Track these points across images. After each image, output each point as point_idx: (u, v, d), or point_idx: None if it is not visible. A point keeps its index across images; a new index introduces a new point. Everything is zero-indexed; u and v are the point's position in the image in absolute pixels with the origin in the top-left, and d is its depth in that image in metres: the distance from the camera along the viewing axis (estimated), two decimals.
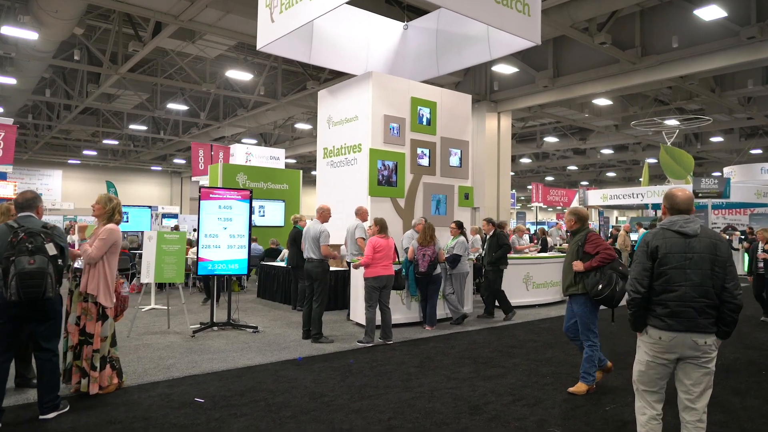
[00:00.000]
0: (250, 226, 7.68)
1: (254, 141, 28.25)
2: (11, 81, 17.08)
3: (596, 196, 16.77)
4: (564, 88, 16.49)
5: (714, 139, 25.45)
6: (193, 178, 18.11)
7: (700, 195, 13.70)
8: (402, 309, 8.15)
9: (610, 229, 17.35)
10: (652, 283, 3.25)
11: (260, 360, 6.21)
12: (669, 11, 13.61)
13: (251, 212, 7.60)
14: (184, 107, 22.05)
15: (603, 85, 15.64)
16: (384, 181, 8.07)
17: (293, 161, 32.16)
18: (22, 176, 35.91)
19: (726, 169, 21.83)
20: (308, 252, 7.06)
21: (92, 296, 4.72)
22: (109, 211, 4.80)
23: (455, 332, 7.90)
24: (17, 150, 33.74)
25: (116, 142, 30.56)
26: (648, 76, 14.63)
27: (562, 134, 27.08)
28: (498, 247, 8.60)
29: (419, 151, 8.62)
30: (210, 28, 12.77)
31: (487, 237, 8.93)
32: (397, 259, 7.13)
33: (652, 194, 14.94)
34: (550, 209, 56.61)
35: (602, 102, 18.59)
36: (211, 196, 7.40)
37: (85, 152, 34.30)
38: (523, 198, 59.83)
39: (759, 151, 27.65)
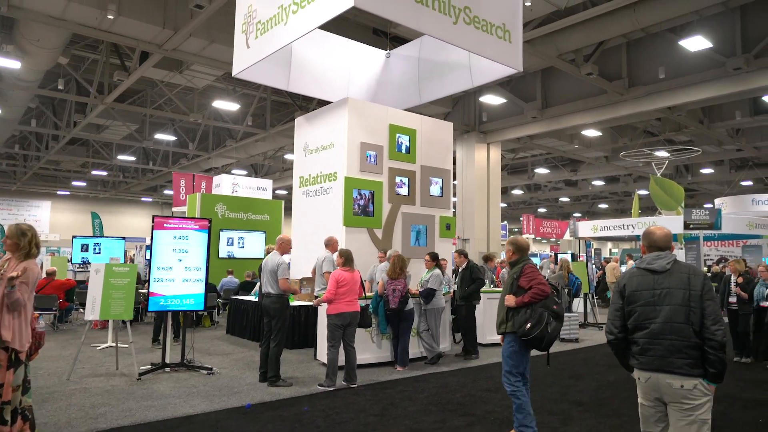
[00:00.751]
0: (209, 257, 7.20)
1: (244, 172, 28.11)
2: None
3: (587, 228, 16.58)
4: (552, 119, 16.46)
5: (704, 171, 25.48)
6: (174, 209, 17.80)
7: (691, 226, 13.51)
8: (371, 348, 7.61)
9: (600, 261, 17.08)
10: (625, 323, 3.18)
11: (204, 407, 5.64)
12: (655, 42, 13.67)
13: (209, 243, 7.12)
14: (172, 138, 21.93)
15: (591, 116, 15.61)
16: (360, 210, 7.77)
17: (284, 192, 31.96)
18: (10, 207, 35.61)
19: (717, 201, 21.74)
20: (266, 286, 6.52)
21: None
22: (25, 246, 4.13)
23: (428, 373, 7.33)
24: (5, 181, 33.55)
25: (105, 173, 30.33)
26: (635, 107, 14.61)
27: (554, 165, 27.07)
28: (471, 281, 8.11)
29: (398, 179, 8.36)
30: (195, 57, 12.68)
31: (460, 270, 8.43)
32: (363, 294, 6.62)
33: (643, 225, 14.70)
34: (544, 241, 56.48)
35: (591, 133, 18.59)
36: (165, 225, 6.96)
37: (74, 183, 34.04)
38: (516, 230, 59.75)
39: (750, 183, 27.69)
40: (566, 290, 9.80)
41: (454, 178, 18.07)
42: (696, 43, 11.45)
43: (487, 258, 9.54)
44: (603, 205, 39.10)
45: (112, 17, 10.17)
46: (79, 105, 19.53)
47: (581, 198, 37.95)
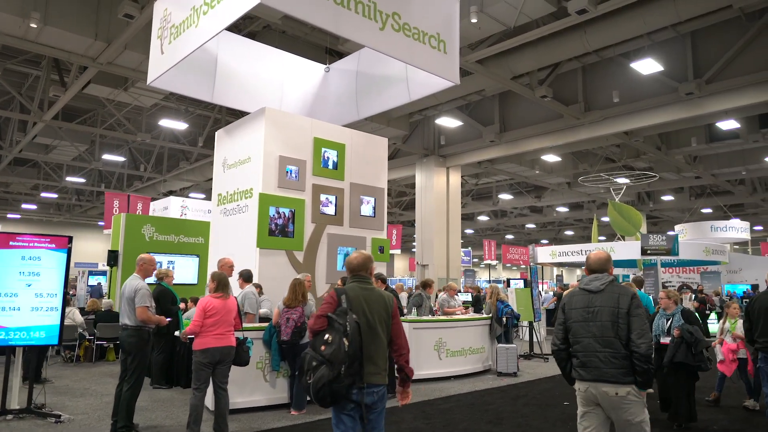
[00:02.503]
0: (66, 282, 6.13)
1: (202, 195, 27.25)
2: None
3: (545, 253, 16.24)
4: (511, 143, 16.24)
5: (665, 198, 25.66)
6: (105, 232, 16.84)
7: (648, 252, 13.26)
8: (264, 388, 6.34)
9: (553, 288, 16.72)
10: (567, 335, 3.53)
11: None
12: (609, 67, 13.60)
13: (68, 265, 6.03)
14: (121, 159, 21.08)
15: (549, 140, 15.43)
16: (278, 230, 7.09)
17: None
18: None
19: (677, 227, 21.79)
20: (122, 317, 5.40)
21: None
22: None
23: (328, 418, 5.70)
24: None
25: (56, 196, 29.07)
26: (592, 131, 14.48)
27: (518, 192, 26.97)
28: None
29: (323, 197, 7.74)
30: (135, 73, 12.05)
31: None
32: (241, 326, 5.61)
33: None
34: (514, 268, 56.44)
35: (551, 159, 18.45)
36: (11, 243, 5.77)
37: (24, 206, 32.56)
38: (480, 256, 59.73)
39: (709, 210, 28.00)
40: (501, 319, 8.90)
41: (409, 198, 17.59)
42: (647, 66, 11.34)
43: (425, 284, 8.83)
44: (569, 232, 39.21)
45: (35, 26, 9.50)
46: (23, 123, 18.62)
47: (547, 225, 38.00)
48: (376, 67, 7.88)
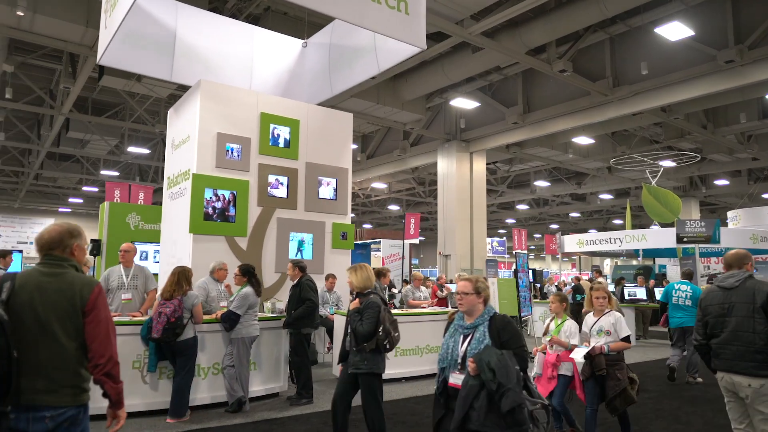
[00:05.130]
0: None
1: None
2: None
3: (572, 242, 15.11)
4: (535, 124, 15.18)
5: (719, 183, 23.63)
6: None
7: (685, 240, 11.98)
8: (142, 390, 5.51)
9: (559, 279, 15.56)
10: (707, 331, 3.71)
11: None
12: (639, 37, 12.35)
13: None
14: (146, 151, 21.37)
15: (575, 120, 14.29)
16: (216, 214, 6.54)
17: None
18: (13, 224, 35.74)
19: (730, 214, 19.94)
20: None
21: None
22: None
23: (215, 427, 5.27)
24: (7, 198, 33.64)
25: (96, 189, 30.03)
26: (621, 108, 13.26)
27: (557, 178, 25.59)
28: (299, 301, 5.98)
29: (272, 178, 7.13)
30: None
31: (291, 287, 6.36)
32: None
33: (631, 239, 13.22)
34: (565, 259, 54.24)
35: (584, 141, 17.19)
36: None
37: (71, 200, 33.94)
38: (533, 247, 57.70)
39: None
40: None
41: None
42: (675, 31, 10.12)
43: (379, 273, 7.61)
44: (618, 221, 37.12)
45: (21, 14, 9.42)
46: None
47: (593, 213, 36.14)
48: (346, 38, 7.25)
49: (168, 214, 7.64)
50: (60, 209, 36.13)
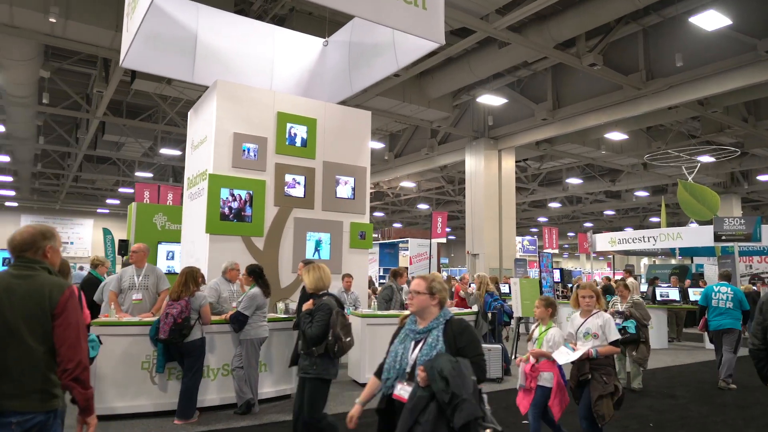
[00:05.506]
0: None
1: None
2: None
3: (604, 241, 14.67)
4: (566, 120, 14.82)
5: (762, 178, 22.66)
6: None
7: (723, 238, 11.48)
8: (151, 391, 5.50)
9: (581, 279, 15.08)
10: (766, 336, 3.59)
11: None
12: (673, 28, 11.90)
13: None
14: (178, 153, 21.78)
15: (606, 115, 13.88)
16: (232, 215, 6.53)
17: None
18: (55, 225, 37.00)
19: None
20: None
21: None
22: None
23: (220, 429, 5.24)
24: (48, 200, 34.88)
25: (132, 191, 30.81)
26: (655, 102, 12.81)
27: (590, 176, 24.98)
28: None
29: (289, 178, 7.08)
30: None
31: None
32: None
33: (666, 237, 12.72)
34: (601, 258, 52.95)
35: (617, 137, 16.70)
36: None
37: (109, 201, 34.93)
38: (567, 246, 56.55)
39: None
40: (488, 314, 7.45)
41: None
42: (711, 20, 9.69)
43: (395, 274, 7.71)
44: (655, 219, 36.03)
45: (54, 20, 9.69)
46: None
47: (629, 211, 35.19)
48: (365, 35, 7.17)
49: (188, 215, 7.74)
50: (98, 210, 37.25)
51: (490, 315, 7.32)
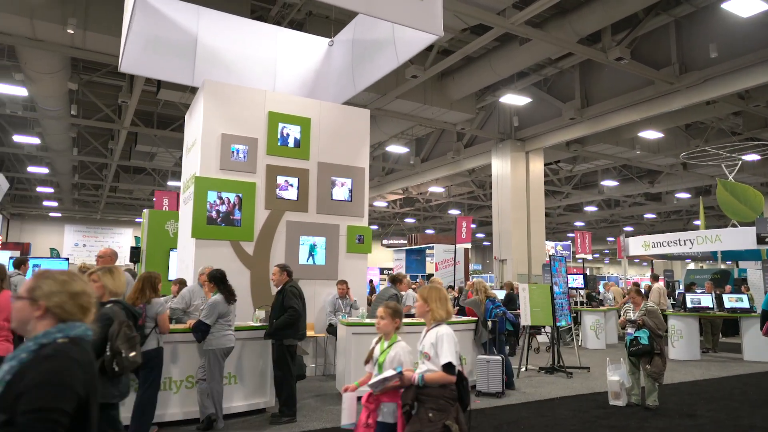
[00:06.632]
0: None
1: None
2: (35, 141, 17.72)
3: (637, 245, 13.92)
4: (595, 119, 14.23)
5: None
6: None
7: (767, 240, 10.68)
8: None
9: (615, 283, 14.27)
10: None
11: None
12: (707, 18, 11.24)
13: None
14: None
15: (638, 112, 13.24)
16: (220, 218, 6.31)
17: None
18: (96, 234, 38.25)
19: None
20: None
21: None
22: None
23: None
24: (89, 210, 36.04)
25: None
26: (690, 97, 12.12)
27: (627, 177, 24.03)
28: (282, 309, 5.52)
29: (281, 180, 6.83)
30: None
31: (276, 294, 5.90)
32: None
33: (704, 240, 11.92)
34: (644, 264, 51.02)
35: (651, 135, 15.92)
36: None
37: (145, 211, 35.71)
38: (607, 251, 54.74)
39: None
40: (489, 322, 6.86)
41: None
42: (746, 6, 9.05)
43: (395, 279, 7.13)
44: (699, 222, 34.39)
45: (71, 31, 9.85)
46: (132, 134, 20.13)
47: (671, 214, 33.74)
48: (367, 33, 6.94)
49: (182, 220, 7.60)
50: (137, 219, 38.22)
51: (490, 323, 6.86)
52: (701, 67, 11.57)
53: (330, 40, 8.24)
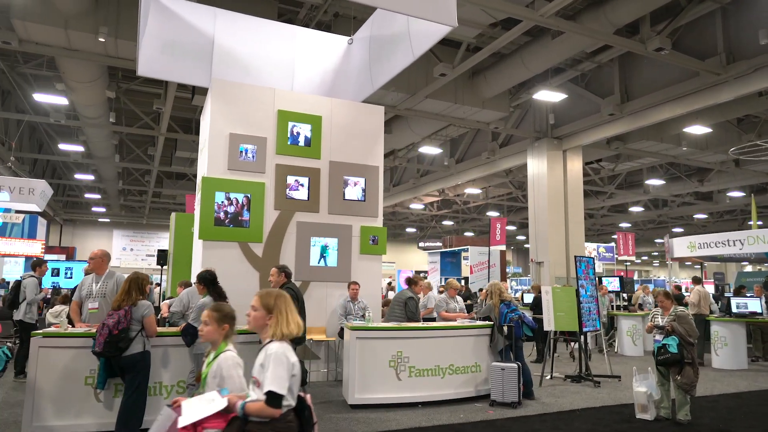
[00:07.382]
0: None
1: None
2: (79, 148, 18.34)
3: (682, 246, 13.13)
4: (636, 114, 13.58)
5: None
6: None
7: None
8: (95, 409, 5.06)
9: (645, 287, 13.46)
10: None
11: None
12: (757, 3, 10.51)
13: None
14: None
15: (682, 106, 12.53)
16: (228, 219, 6.17)
17: None
18: (142, 239, 39.49)
19: None
20: None
21: None
22: None
23: None
24: (135, 215, 37.24)
25: None
26: (737, 88, 11.38)
27: (675, 176, 22.93)
28: None
29: (291, 179, 6.65)
30: None
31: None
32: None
33: (755, 240, 11.08)
34: (696, 267, 48.83)
35: (699, 130, 15.08)
36: None
37: (173, 214, 36.73)
38: (656, 253, 52.61)
39: None
40: (504, 327, 6.43)
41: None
42: None
43: (411, 282, 6.87)
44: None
45: (103, 40, 10.07)
46: (172, 141, 20.63)
47: (724, 214, 32.07)
48: (384, 29, 6.74)
49: (196, 221, 7.55)
50: None
51: (506, 328, 6.48)
52: (750, 55, 10.84)
53: (349, 38, 8.10)
